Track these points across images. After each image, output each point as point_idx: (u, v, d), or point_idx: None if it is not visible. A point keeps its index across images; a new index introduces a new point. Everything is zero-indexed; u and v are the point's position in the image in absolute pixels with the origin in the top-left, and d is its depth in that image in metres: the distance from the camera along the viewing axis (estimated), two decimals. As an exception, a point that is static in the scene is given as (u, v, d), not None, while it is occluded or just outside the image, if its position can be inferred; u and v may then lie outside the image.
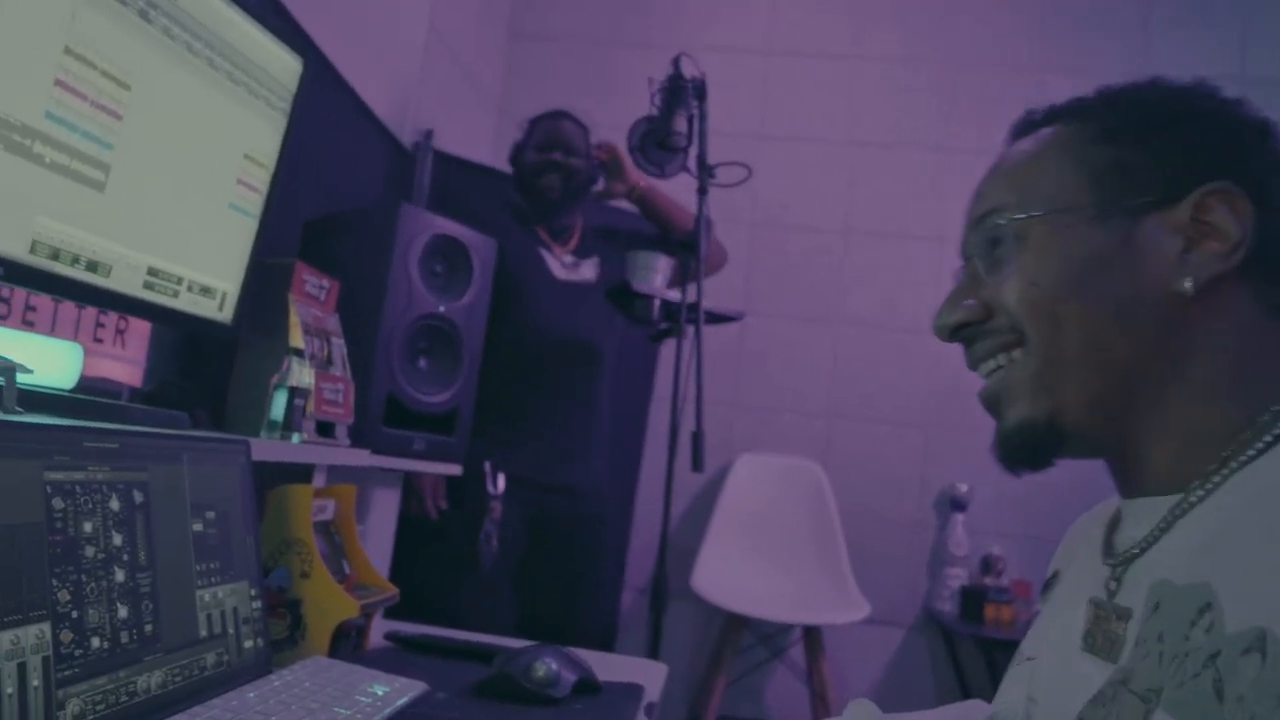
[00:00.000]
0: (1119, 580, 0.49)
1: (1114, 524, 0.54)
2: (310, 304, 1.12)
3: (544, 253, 1.94)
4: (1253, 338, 0.49)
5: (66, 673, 0.59)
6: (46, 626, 0.58)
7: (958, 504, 2.70)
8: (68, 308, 1.07)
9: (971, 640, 2.58)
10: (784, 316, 2.98)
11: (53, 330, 1.04)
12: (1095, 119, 0.54)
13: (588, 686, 0.94)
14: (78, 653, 0.60)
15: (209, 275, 0.94)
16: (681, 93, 2.02)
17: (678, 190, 2.07)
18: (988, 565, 2.63)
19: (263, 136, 0.98)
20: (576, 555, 1.94)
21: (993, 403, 0.54)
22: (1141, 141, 0.52)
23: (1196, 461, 0.47)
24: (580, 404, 1.93)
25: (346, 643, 0.98)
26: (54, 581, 0.60)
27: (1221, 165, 0.50)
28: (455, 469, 1.58)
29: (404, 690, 0.84)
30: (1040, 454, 0.52)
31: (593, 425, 1.97)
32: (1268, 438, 0.45)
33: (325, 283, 1.16)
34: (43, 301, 1.04)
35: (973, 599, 2.53)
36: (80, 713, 0.59)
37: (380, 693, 0.82)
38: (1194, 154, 0.51)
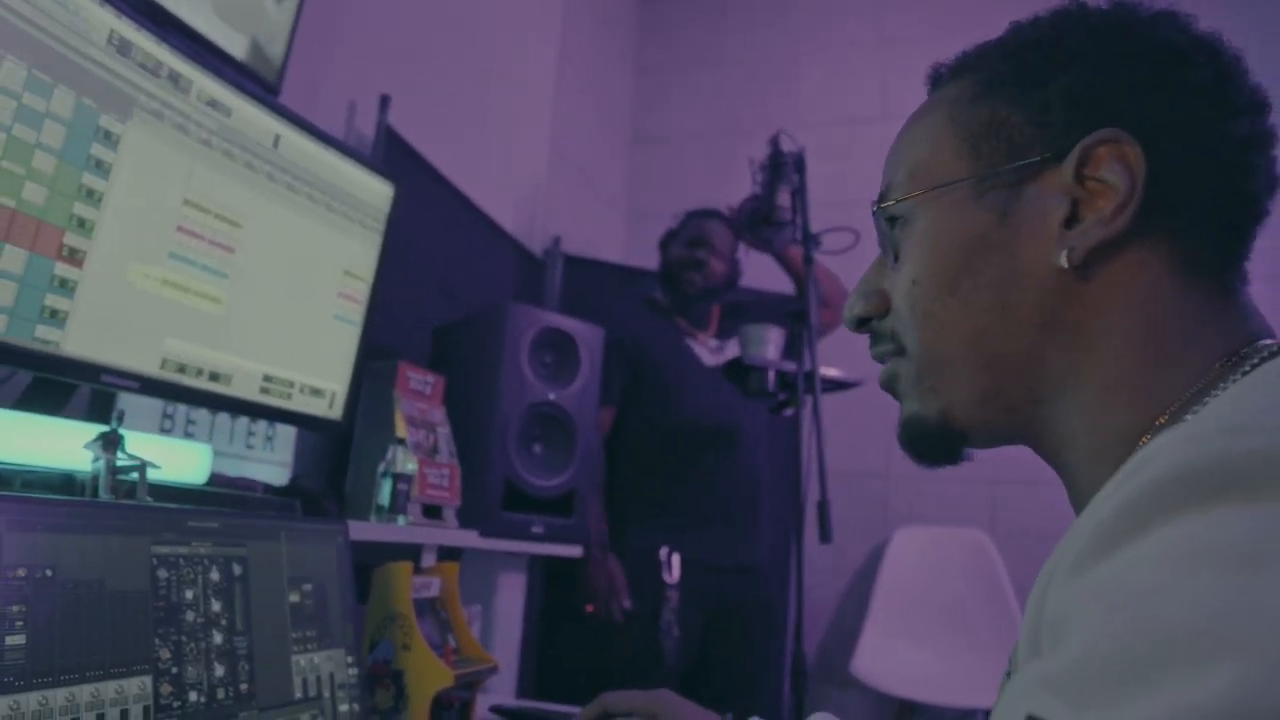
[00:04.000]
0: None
1: None
2: (415, 399, 1.24)
3: (690, 343, 2.02)
4: (1164, 306, 0.42)
5: (165, 721, 0.68)
6: (148, 679, 0.68)
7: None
8: (222, 419, 1.25)
9: None
10: (931, 379, 2.86)
11: (210, 438, 1.22)
12: (974, 72, 0.48)
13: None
14: (175, 704, 0.69)
15: (318, 378, 1.08)
16: (782, 168, 2.07)
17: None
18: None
19: (360, 254, 1.12)
20: (759, 638, 1.92)
21: (888, 388, 0.51)
22: (1020, 93, 0.45)
23: (1111, 467, 0.37)
24: (742, 485, 1.96)
25: (449, 713, 1.03)
26: (156, 640, 0.70)
27: (1112, 109, 0.42)
28: (575, 550, 1.64)
29: (485, 754, 0.87)
30: (939, 449, 0.48)
31: (757, 504, 1.98)
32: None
33: (430, 379, 1.28)
34: (202, 415, 1.23)
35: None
36: (176, 759, 0.68)
37: (462, 756, 0.86)
38: (1078, 100, 0.43)
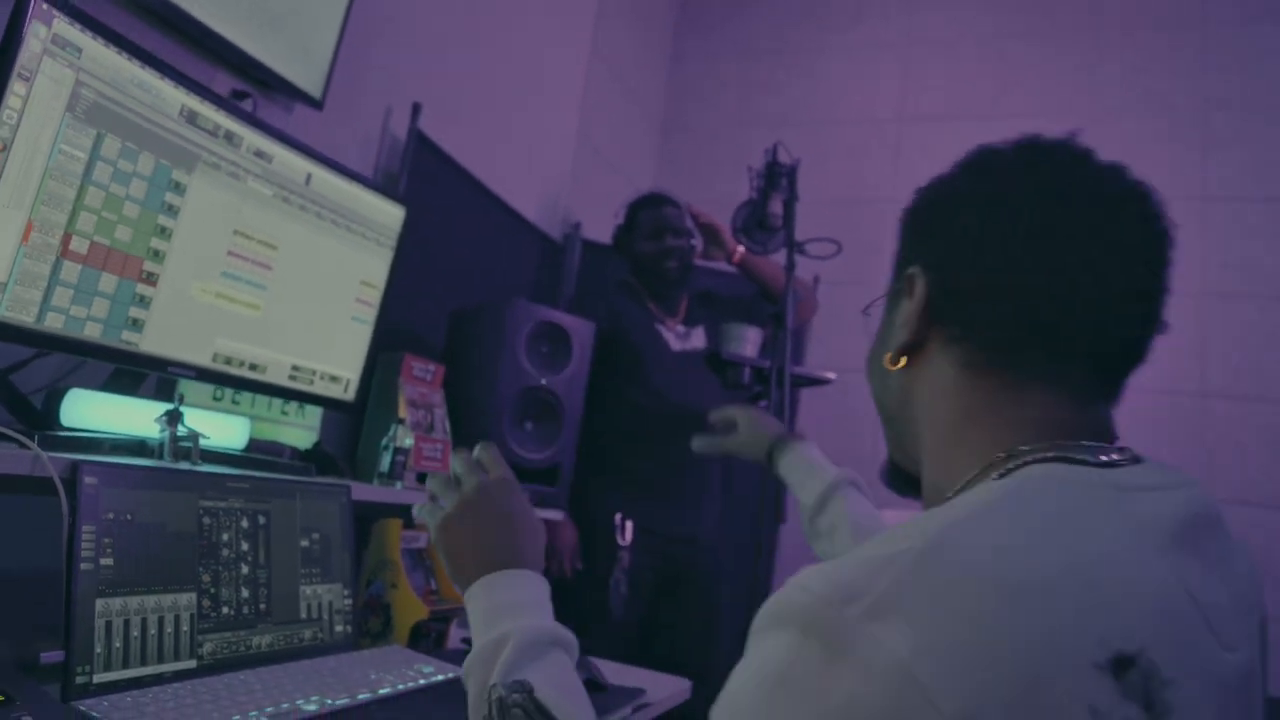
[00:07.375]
0: None
1: None
2: (417, 384, 1.49)
3: (660, 328, 2.23)
4: (957, 397, 0.53)
5: (204, 626, 0.95)
6: (194, 595, 0.95)
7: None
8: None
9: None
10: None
11: (253, 407, 1.49)
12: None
13: (592, 685, 1.18)
14: (212, 614, 0.97)
15: (336, 368, 1.33)
16: (777, 178, 2.25)
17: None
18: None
19: (375, 267, 1.37)
20: (700, 603, 2.15)
21: None
22: (902, 228, 0.61)
23: None
24: (693, 465, 2.18)
25: (426, 640, 1.30)
26: (200, 569, 0.97)
27: (921, 249, 0.57)
28: (557, 514, 1.89)
29: (442, 670, 1.13)
30: (898, 486, 0.63)
31: (705, 484, 2.20)
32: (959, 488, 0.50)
33: (431, 367, 1.53)
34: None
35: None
36: (212, 651, 0.95)
37: (426, 670, 1.12)
38: (912, 245, 0.58)
